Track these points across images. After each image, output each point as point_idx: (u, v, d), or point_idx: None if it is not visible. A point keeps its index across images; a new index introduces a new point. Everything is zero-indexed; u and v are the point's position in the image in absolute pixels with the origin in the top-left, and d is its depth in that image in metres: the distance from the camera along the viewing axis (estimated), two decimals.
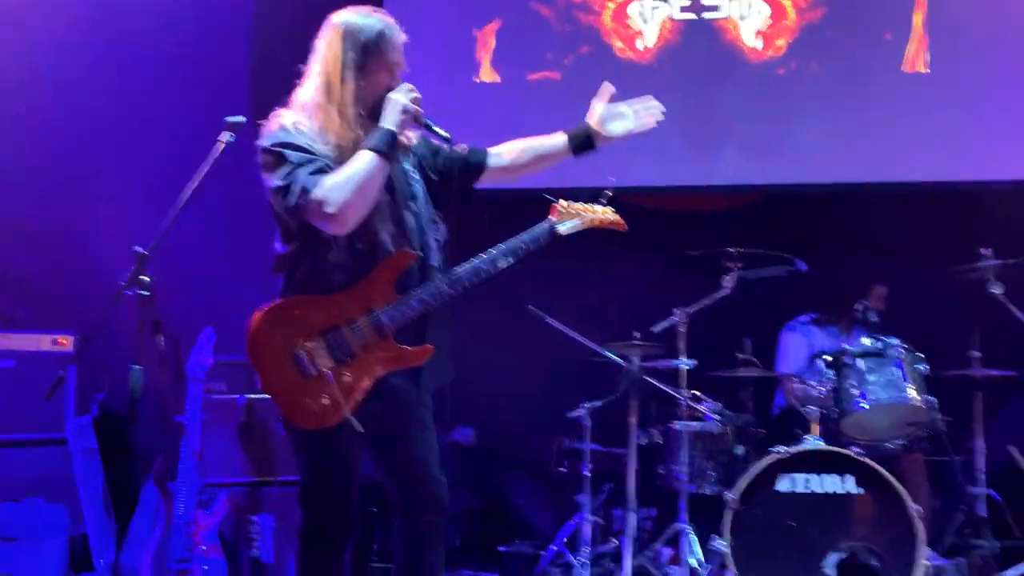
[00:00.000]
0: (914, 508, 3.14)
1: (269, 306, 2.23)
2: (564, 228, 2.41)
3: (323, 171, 2.14)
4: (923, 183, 4.46)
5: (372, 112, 2.22)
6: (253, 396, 3.59)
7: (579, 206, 2.45)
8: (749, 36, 4.62)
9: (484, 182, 2.52)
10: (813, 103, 4.57)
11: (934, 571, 3.31)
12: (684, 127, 4.62)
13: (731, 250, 3.68)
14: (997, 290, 3.62)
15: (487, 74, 4.77)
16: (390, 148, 2.17)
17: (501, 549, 4.21)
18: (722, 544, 3.25)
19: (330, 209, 2.10)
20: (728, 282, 3.69)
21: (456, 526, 4.33)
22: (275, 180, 2.16)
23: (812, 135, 4.54)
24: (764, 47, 4.62)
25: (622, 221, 2.53)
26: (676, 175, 4.59)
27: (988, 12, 4.51)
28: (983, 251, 3.67)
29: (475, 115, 4.52)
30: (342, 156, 2.17)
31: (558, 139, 2.47)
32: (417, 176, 2.37)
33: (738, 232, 3.98)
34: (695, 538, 3.54)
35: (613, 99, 2.48)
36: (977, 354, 3.79)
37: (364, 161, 2.14)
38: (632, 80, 4.66)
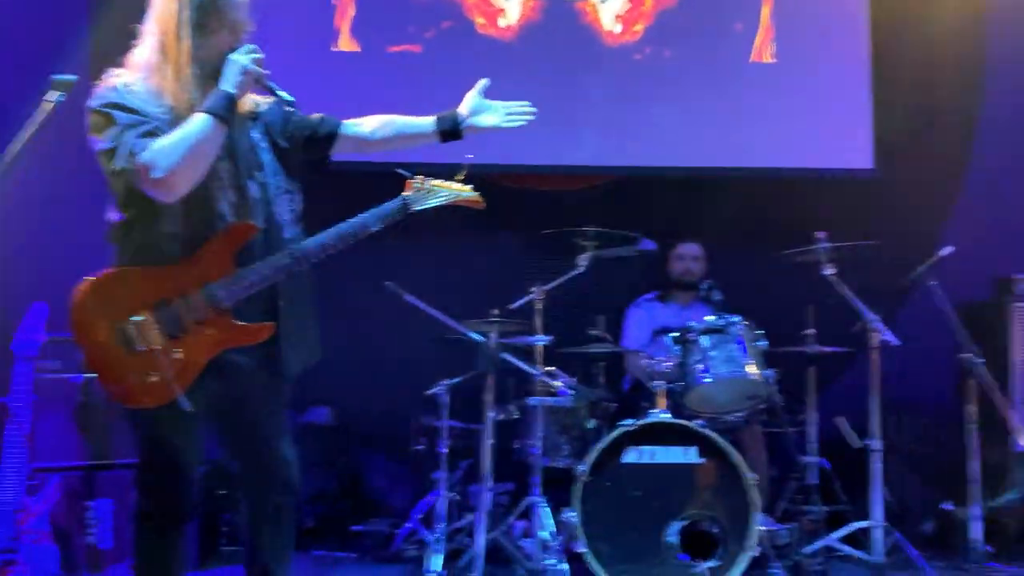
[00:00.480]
0: (750, 476, 3.32)
1: (95, 277, 2.09)
2: (418, 204, 2.38)
3: (154, 134, 2.02)
4: (766, 169, 4.69)
5: (213, 74, 2.11)
6: (90, 375, 3.39)
7: (434, 182, 2.42)
8: (608, 19, 4.72)
9: (339, 152, 2.45)
10: (667, 88, 4.71)
11: (768, 535, 3.50)
12: (545, 107, 4.61)
13: (586, 229, 3.76)
14: (830, 272, 3.86)
15: (346, 43, 4.66)
16: (227, 111, 2.07)
17: (355, 528, 4.17)
18: (572, 515, 3.33)
19: (157, 174, 1.99)
20: (583, 261, 3.77)
21: (311, 507, 4.26)
22: (102, 142, 2.04)
23: (666, 120, 4.68)
24: (622, 31, 4.72)
25: (479, 198, 2.51)
26: (536, 155, 4.63)
27: (828, 7, 4.77)
28: (818, 235, 3.89)
29: (332, 84, 4.41)
30: (178, 119, 2.06)
31: (426, 122, 2.44)
32: (265, 144, 2.28)
33: (594, 212, 4.08)
34: (547, 510, 3.61)
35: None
36: (811, 331, 4.03)
37: (197, 124, 2.04)
38: (494, 57, 4.70)
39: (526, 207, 4.64)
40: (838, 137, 4.74)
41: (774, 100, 4.70)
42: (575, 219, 3.86)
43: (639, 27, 4.74)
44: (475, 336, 3.67)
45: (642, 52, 4.74)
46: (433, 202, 2.41)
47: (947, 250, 3.87)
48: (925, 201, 4.72)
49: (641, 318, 4.28)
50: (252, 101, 2.26)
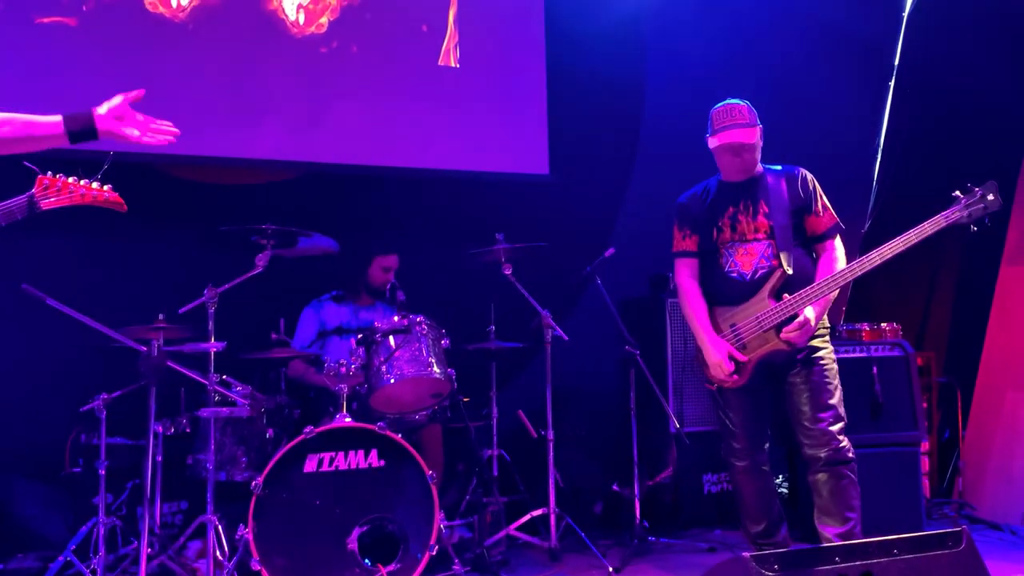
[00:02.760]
0: (429, 475, 3.34)
1: None
2: (47, 203, 2.16)
3: None
4: (449, 172, 4.78)
5: None
6: None
7: (69, 180, 2.23)
8: (291, 9, 4.53)
9: None
10: (354, 85, 4.63)
11: (448, 532, 3.56)
12: (223, 97, 4.39)
13: (265, 227, 3.57)
14: (508, 271, 4.01)
15: None
16: None
17: None
18: (246, 532, 3.14)
19: None
20: (262, 260, 3.57)
21: None
22: None
23: (353, 116, 4.60)
24: (306, 23, 4.56)
25: (119, 199, 2.30)
26: (212, 146, 4.33)
27: (508, 18, 4.96)
28: (497, 236, 4.04)
29: None
30: None
31: (52, 121, 2.19)
32: None
33: (275, 209, 3.89)
34: (221, 529, 3.38)
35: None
36: (493, 328, 4.18)
37: None
38: (164, 39, 4.32)
39: (200, 202, 4.32)
40: (517, 143, 4.95)
41: (459, 104, 4.81)
42: (254, 216, 3.64)
43: (324, 20, 4.60)
44: (134, 344, 3.33)
45: (328, 46, 4.62)
46: (64, 201, 2.18)
47: (610, 251, 4.18)
48: (595, 205, 5.08)
49: (310, 318, 4.16)
50: None
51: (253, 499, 3.15)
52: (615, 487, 4.51)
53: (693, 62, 5.12)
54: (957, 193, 3.09)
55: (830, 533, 3.18)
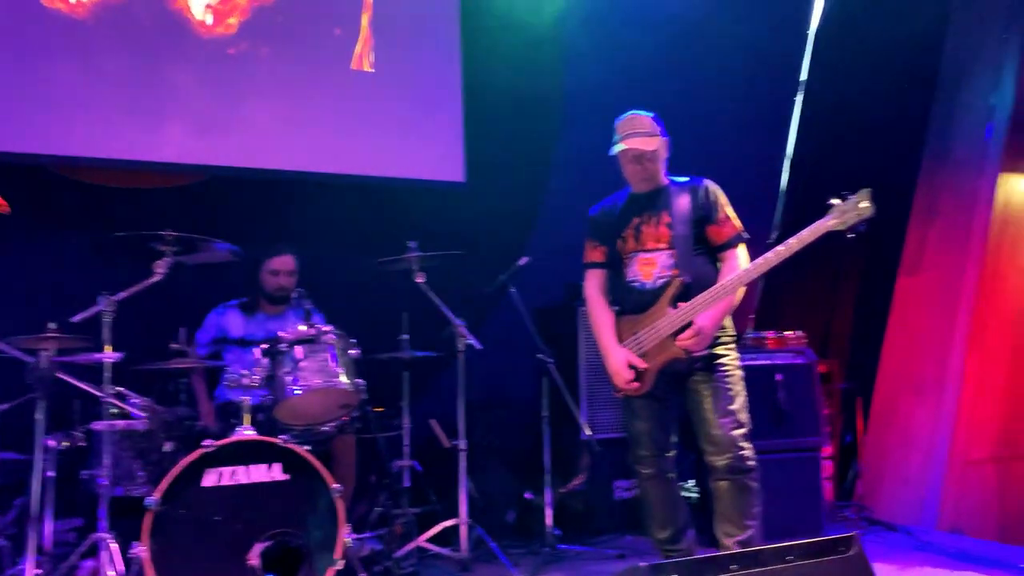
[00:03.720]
0: (336, 489, 3.27)
1: None
2: None
3: None
4: (362, 177, 4.70)
5: None
6: None
7: None
8: (199, 9, 4.40)
9: None
10: (263, 88, 4.52)
11: (357, 545, 3.49)
12: (125, 97, 4.24)
13: (165, 233, 3.45)
14: (421, 280, 3.98)
15: None
16: None
17: None
18: (141, 550, 3.02)
19: None
20: (161, 267, 3.45)
21: None
22: None
23: (262, 120, 4.49)
24: (215, 23, 4.44)
25: (2, 201, 2.16)
26: (111, 148, 4.17)
27: (423, 23, 4.92)
28: (410, 244, 4.00)
29: None
30: None
31: None
32: None
33: (177, 214, 3.76)
34: (115, 547, 3.24)
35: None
36: (406, 337, 4.13)
37: None
38: (66, 36, 4.15)
39: (97, 206, 4.15)
40: (432, 150, 4.91)
41: (372, 109, 4.74)
42: (156, 221, 3.51)
43: (234, 21, 4.49)
44: (19, 354, 3.18)
45: (237, 47, 4.50)
46: None
47: (524, 260, 4.19)
48: (511, 213, 5.08)
49: (211, 322, 4.04)
50: None
51: (148, 516, 3.03)
52: (527, 495, 4.51)
53: (610, 73, 5.17)
54: (832, 201, 3.15)
55: (729, 541, 3.23)
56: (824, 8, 5.74)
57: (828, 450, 4.71)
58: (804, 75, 5.85)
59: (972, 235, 5.07)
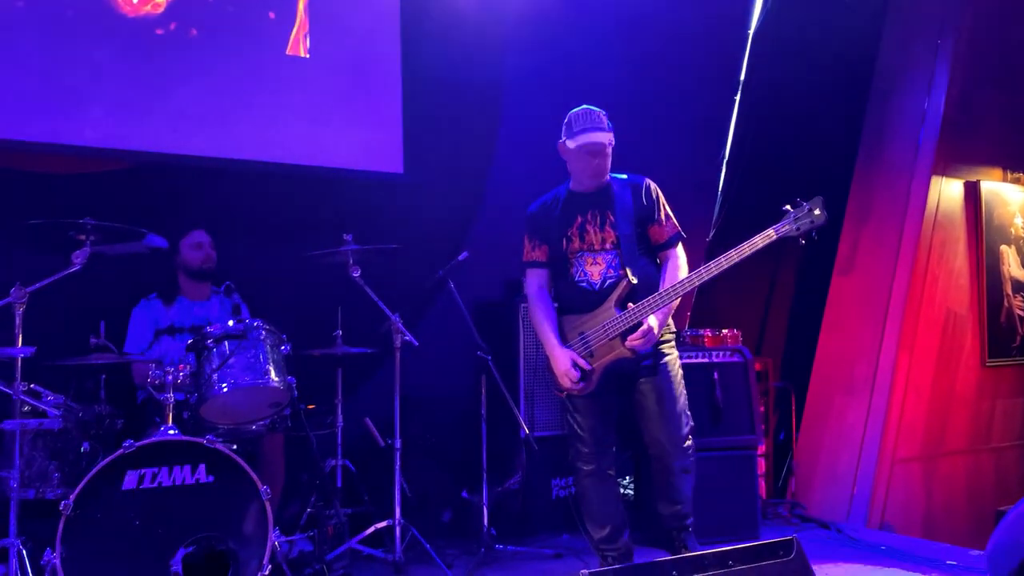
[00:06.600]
0: (263, 490, 3.14)
1: None
2: None
3: None
4: (296, 167, 4.53)
5: None
6: None
7: None
8: None
9: None
10: (193, 71, 4.31)
11: (288, 546, 3.37)
12: (41, 77, 4.01)
13: (83, 222, 3.25)
14: (356, 273, 3.86)
15: None
16: None
17: None
18: (53, 556, 2.85)
19: None
20: (79, 257, 3.26)
21: None
22: None
23: (191, 105, 4.29)
24: (140, 1, 4.23)
25: None
26: (26, 130, 3.93)
27: (362, 10, 4.77)
28: (346, 236, 3.88)
29: None
30: None
31: None
32: None
33: (96, 202, 3.57)
34: (25, 553, 3.07)
35: None
36: (339, 333, 4.00)
37: None
38: None
39: (9, 192, 3.92)
40: (370, 139, 4.77)
41: (307, 96, 4.58)
42: (75, 209, 3.32)
43: (161, 0, 4.28)
44: None
45: (165, 27, 4.29)
46: None
47: (464, 255, 4.11)
48: (450, 207, 4.96)
49: (141, 318, 3.87)
50: None
51: (62, 520, 2.86)
52: (464, 494, 4.43)
53: (550, 66, 5.11)
54: (787, 207, 3.23)
55: (667, 512, 3.38)
56: (763, 8, 5.77)
57: (762, 448, 4.74)
58: (743, 75, 5.89)
59: (904, 237, 5.17)
